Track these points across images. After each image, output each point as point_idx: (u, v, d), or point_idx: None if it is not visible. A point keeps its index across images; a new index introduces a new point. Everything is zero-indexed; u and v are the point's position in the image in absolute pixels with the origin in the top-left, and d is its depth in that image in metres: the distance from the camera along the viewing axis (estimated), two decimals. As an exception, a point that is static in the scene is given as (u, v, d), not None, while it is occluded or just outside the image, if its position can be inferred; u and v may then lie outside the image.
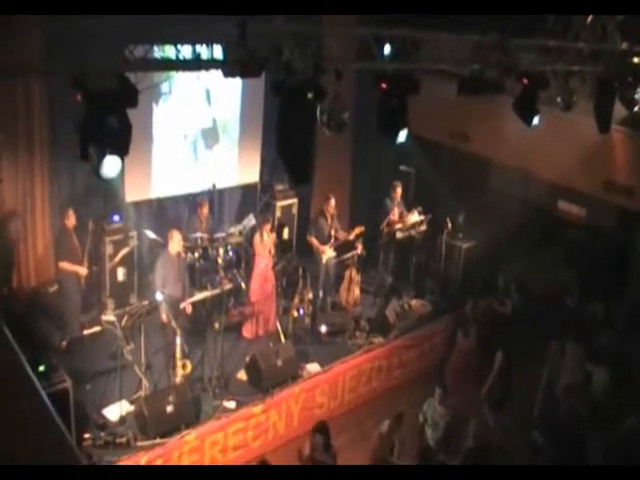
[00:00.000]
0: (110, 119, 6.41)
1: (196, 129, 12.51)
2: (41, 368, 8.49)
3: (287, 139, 7.51)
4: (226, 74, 6.92)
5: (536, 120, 9.68)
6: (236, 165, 13.28)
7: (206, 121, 12.62)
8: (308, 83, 7.30)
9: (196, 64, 7.30)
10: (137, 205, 12.13)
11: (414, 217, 13.14)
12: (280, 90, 7.42)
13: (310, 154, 7.68)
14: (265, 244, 11.40)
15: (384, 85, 8.04)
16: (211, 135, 12.78)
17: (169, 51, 7.51)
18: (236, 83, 12.36)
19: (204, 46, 7.17)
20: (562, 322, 11.06)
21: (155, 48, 7.58)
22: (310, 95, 7.30)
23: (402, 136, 8.38)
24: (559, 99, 10.09)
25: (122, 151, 6.58)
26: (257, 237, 11.48)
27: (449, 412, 9.19)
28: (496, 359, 10.21)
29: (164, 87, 11.69)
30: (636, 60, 10.27)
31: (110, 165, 6.45)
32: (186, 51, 7.16)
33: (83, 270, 10.43)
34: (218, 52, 7.02)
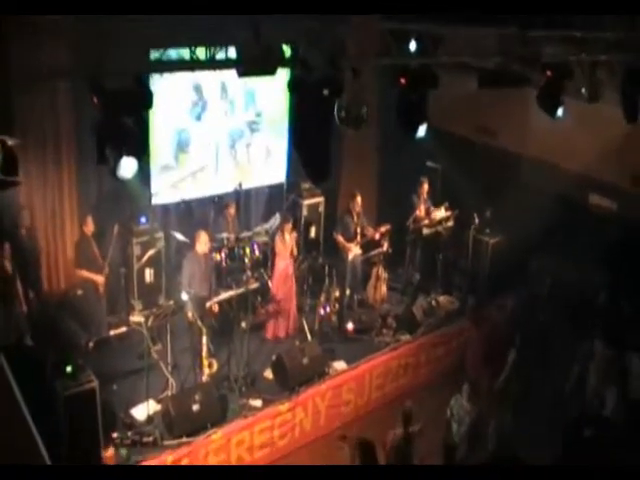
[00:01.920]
0: (126, 121, 6.44)
1: (222, 130, 12.55)
2: (68, 369, 8.60)
3: (305, 136, 7.53)
4: (241, 73, 6.93)
5: (560, 112, 9.56)
6: (263, 164, 13.30)
7: (232, 122, 12.66)
8: (324, 80, 7.29)
9: (211, 64, 7.34)
10: (164, 206, 12.24)
11: (441, 213, 13.10)
12: (297, 87, 7.43)
13: (328, 151, 7.63)
14: (286, 244, 11.43)
15: (403, 80, 7.99)
16: (237, 135, 12.82)
17: (184, 52, 7.58)
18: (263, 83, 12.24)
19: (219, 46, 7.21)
20: (592, 320, 10.93)
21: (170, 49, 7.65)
22: (326, 92, 7.29)
23: (421, 131, 8.33)
24: (583, 90, 9.97)
25: (139, 152, 6.62)
26: (278, 237, 11.53)
27: (475, 408, 9.13)
28: (509, 358, 10.12)
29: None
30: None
31: (127, 166, 6.50)
32: (200, 51, 7.21)
33: (100, 278, 10.50)
34: (233, 52, 7.04)
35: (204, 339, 9.93)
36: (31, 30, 9.42)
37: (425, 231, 13.06)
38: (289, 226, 11.54)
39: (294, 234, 11.72)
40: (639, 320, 10.92)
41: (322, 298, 11.81)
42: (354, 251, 12.23)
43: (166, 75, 10.14)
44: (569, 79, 9.39)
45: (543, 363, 10.73)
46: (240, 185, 12.33)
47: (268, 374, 10.56)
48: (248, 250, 11.70)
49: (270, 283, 11.51)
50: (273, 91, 12.53)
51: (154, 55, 7.44)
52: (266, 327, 11.63)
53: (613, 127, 11.20)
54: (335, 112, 7.58)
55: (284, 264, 11.50)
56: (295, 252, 11.69)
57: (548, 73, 9.12)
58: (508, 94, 9.98)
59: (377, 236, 12.29)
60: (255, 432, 9.32)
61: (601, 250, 11.82)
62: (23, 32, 9.38)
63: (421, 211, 13.14)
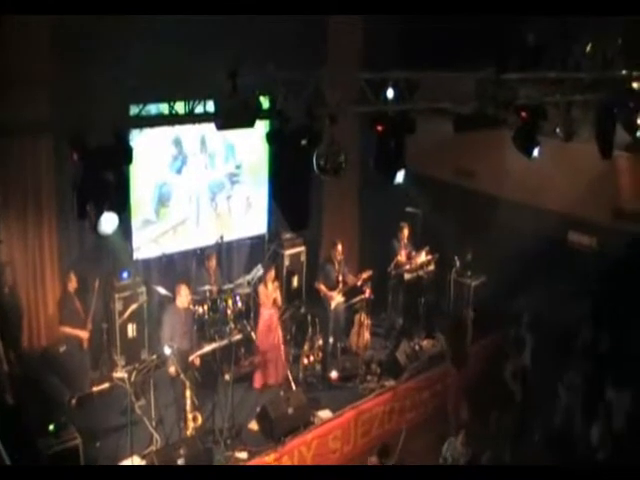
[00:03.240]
0: (106, 176, 6.45)
1: (203, 183, 12.60)
2: (51, 427, 8.55)
3: (283, 186, 7.58)
4: (219, 127, 6.98)
5: (536, 152, 9.68)
6: (243, 216, 13.34)
7: (213, 175, 12.72)
8: (302, 130, 7.36)
9: (190, 118, 7.39)
10: (146, 261, 12.20)
11: (422, 257, 13.15)
12: (275, 138, 7.50)
13: (307, 200, 7.68)
14: (269, 294, 11.45)
15: (380, 127, 8.08)
16: (218, 188, 12.88)
17: (163, 106, 7.63)
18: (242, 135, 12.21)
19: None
20: (574, 355, 10.97)
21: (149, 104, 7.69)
22: (304, 142, 7.36)
23: (400, 177, 8.42)
24: (558, 130, 10.13)
25: (119, 207, 6.62)
26: (261, 288, 11.57)
27: (469, 451, 9.08)
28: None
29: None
30: (636, 85, 10.32)
31: (107, 222, 6.49)
32: (179, 105, 7.25)
33: (84, 334, 10.45)
34: (211, 105, 7.09)
35: (188, 393, 9.81)
36: (10, 85, 9.47)
37: (407, 276, 13.12)
38: (271, 275, 11.58)
39: (276, 283, 11.74)
40: (620, 354, 10.99)
41: (306, 347, 11.78)
42: (336, 299, 12.24)
43: (146, 130, 10.23)
44: (544, 119, 9.54)
45: (528, 400, 10.72)
46: (221, 237, 12.34)
47: (253, 425, 10.46)
48: (230, 302, 11.67)
49: (254, 334, 11.45)
50: (252, 143, 12.60)
51: (133, 110, 7.47)
52: (254, 377, 11.57)
53: (589, 164, 11.37)
54: (314, 161, 7.64)
55: (268, 314, 11.50)
56: (279, 301, 11.71)
57: (523, 114, 9.25)
58: (485, 136, 10.10)
59: (359, 283, 12.29)
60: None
61: (582, 286, 11.88)
62: (2, 87, 9.43)
63: (402, 256, 13.20)
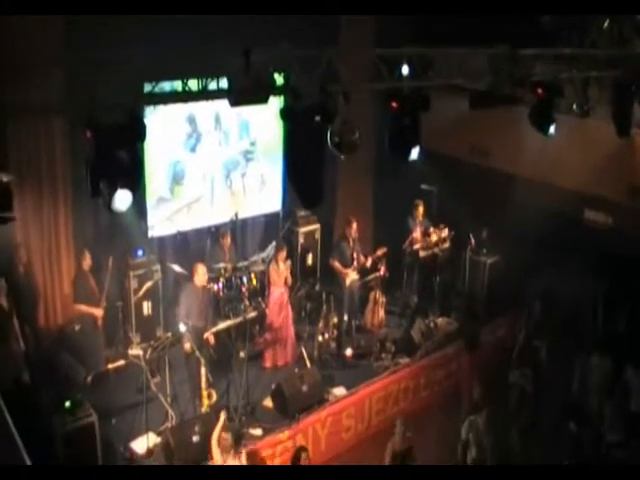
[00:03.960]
0: (120, 154, 6.43)
1: (217, 160, 12.59)
2: (67, 404, 8.59)
3: (297, 163, 7.55)
4: (233, 103, 6.95)
5: (552, 129, 9.58)
6: (258, 193, 13.33)
7: (227, 152, 12.70)
8: (316, 106, 7.32)
9: (204, 95, 7.36)
10: (160, 238, 12.24)
11: (437, 235, 13.10)
12: (289, 115, 7.46)
13: (320, 177, 7.64)
14: (280, 273, 11.42)
15: (395, 104, 8.01)
16: (232, 165, 12.86)
17: (176, 84, 7.61)
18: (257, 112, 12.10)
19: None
20: (589, 335, 10.92)
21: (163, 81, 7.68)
22: (318, 118, 7.31)
23: (414, 154, 8.34)
24: (574, 106, 10.04)
25: (133, 185, 6.60)
26: (273, 266, 11.53)
27: (492, 431, 9.01)
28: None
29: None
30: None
31: (121, 199, 6.47)
32: (193, 82, 7.23)
33: (99, 311, 10.48)
34: (225, 82, 7.06)
35: (202, 370, 9.84)
36: (24, 64, 9.47)
37: (421, 253, 13.10)
38: (283, 254, 11.53)
39: (288, 262, 11.71)
40: (636, 334, 10.92)
41: (320, 325, 11.78)
42: (351, 276, 12.24)
43: (159, 107, 10.20)
44: (560, 96, 9.44)
45: (542, 380, 10.68)
46: (236, 215, 12.34)
47: (268, 403, 10.50)
48: (245, 279, 11.68)
49: (268, 312, 11.45)
50: (267, 119, 12.54)
51: (147, 87, 7.45)
52: (265, 356, 11.58)
53: (606, 141, 11.25)
54: (328, 138, 7.60)
55: (279, 293, 11.48)
56: (290, 281, 11.67)
57: (539, 91, 9.16)
58: (500, 114, 10.01)
59: (373, 260, 12.28)
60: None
61: (598, 265, 11.81)
62: (16, 66, 9.42)
63: (417, 233, 13.15)
